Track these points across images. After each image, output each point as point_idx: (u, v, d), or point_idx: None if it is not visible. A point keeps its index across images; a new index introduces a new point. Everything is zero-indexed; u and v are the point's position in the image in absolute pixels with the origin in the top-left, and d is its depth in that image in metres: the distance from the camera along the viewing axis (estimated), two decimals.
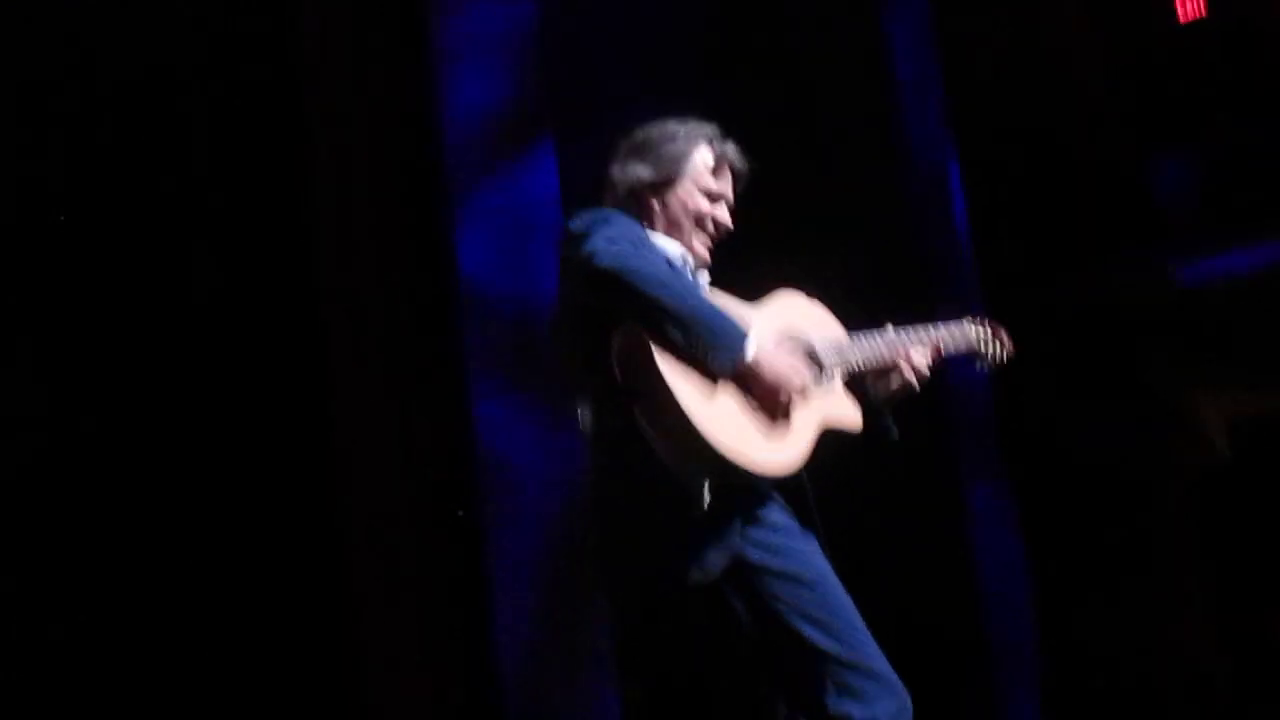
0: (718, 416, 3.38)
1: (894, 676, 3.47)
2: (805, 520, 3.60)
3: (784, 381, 3.45)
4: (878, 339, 3.76)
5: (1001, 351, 4.03)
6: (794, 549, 3.50)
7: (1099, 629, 7.35)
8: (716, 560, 3.43)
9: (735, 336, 3.41)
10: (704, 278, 3.76)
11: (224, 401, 5.55)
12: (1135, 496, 7.63)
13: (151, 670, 5.33)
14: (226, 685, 5.40)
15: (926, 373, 3.77)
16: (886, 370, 3.77)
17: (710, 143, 3.77)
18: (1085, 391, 7.51)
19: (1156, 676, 7.42)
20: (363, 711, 5.64)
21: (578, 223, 3.57)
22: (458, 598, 5.79)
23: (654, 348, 3.36)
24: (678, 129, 3.77)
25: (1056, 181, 7.45)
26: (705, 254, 3.76)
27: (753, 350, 3.41)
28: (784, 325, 3.64)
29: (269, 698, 5.45)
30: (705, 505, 3.35)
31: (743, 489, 3.46)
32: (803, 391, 3.49)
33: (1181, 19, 7.22)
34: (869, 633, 3.50)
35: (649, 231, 3.69)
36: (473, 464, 5.76)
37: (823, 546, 3.61)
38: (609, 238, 3.45)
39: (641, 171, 3.73)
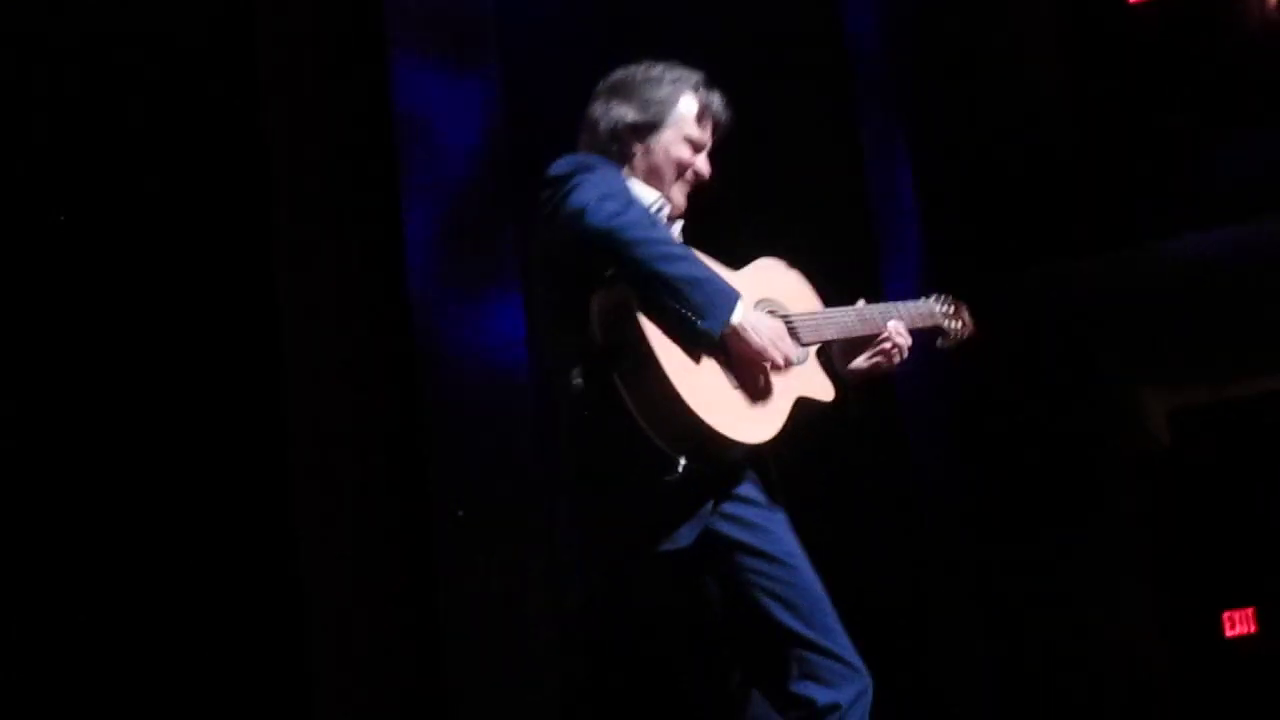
0: (700, 384, 3.33)
1: (858, 660, 3.45)
2: (771, 496, 3.56)
3: (768, 352, 3.41)
4: (849, 314, 3.71)
5: (963, 329, 4.03)
6: (766, 525, 3.47)
7: (1041, 621, 7.32)
8: (688, 532, 3.38)
9: (726, 302, 3.36)
10: (678, 228, 3.68)
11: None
12: (1078, 488, 7.61)
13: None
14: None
15: (901, 341, 3.73)
16: (857, 345, 3.73)
17: (696, 90, 3.70)
18: (1033, 381, 7.49)
19: (1097, 668, 7.40)
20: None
21: (561, 167, 3.48)
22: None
23: (639, 311, 3.31)
24: (663, 73, 3.70)
25: (1009, 169, 7.42)
26: (683, 203, 3.69)
27: (739, 316, 3.36)
28: (763, 294, 3.60)
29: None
30: (680, 471, 3.30)
31: (718, 460, 3.40)
32: (782, 366, 3.45)
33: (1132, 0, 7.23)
34: (836, 615, 3.48)
35: (628, 179, 3.61)
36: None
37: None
38: (601, 194, 3.36)
39: (626, 113, 3.64)
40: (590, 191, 3.36)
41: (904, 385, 7.02)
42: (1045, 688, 7.14)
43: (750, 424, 3.42)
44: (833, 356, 3.77)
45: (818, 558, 5.44)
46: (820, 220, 6.74)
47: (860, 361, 3.74)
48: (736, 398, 3.42)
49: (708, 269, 3.41)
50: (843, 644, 3.46)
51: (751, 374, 3.44)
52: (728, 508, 3.44)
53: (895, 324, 3.73)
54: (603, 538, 3.49)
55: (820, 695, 3.38)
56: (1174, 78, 7.21)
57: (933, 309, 3.97)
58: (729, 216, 6.07)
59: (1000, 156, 7.41)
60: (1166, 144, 7.26)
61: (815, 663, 3.40)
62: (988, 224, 7.47)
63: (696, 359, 3.36)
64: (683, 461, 3.30)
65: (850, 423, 3.76)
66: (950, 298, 4.05)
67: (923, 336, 3.93)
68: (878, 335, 3.73)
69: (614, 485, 3.41)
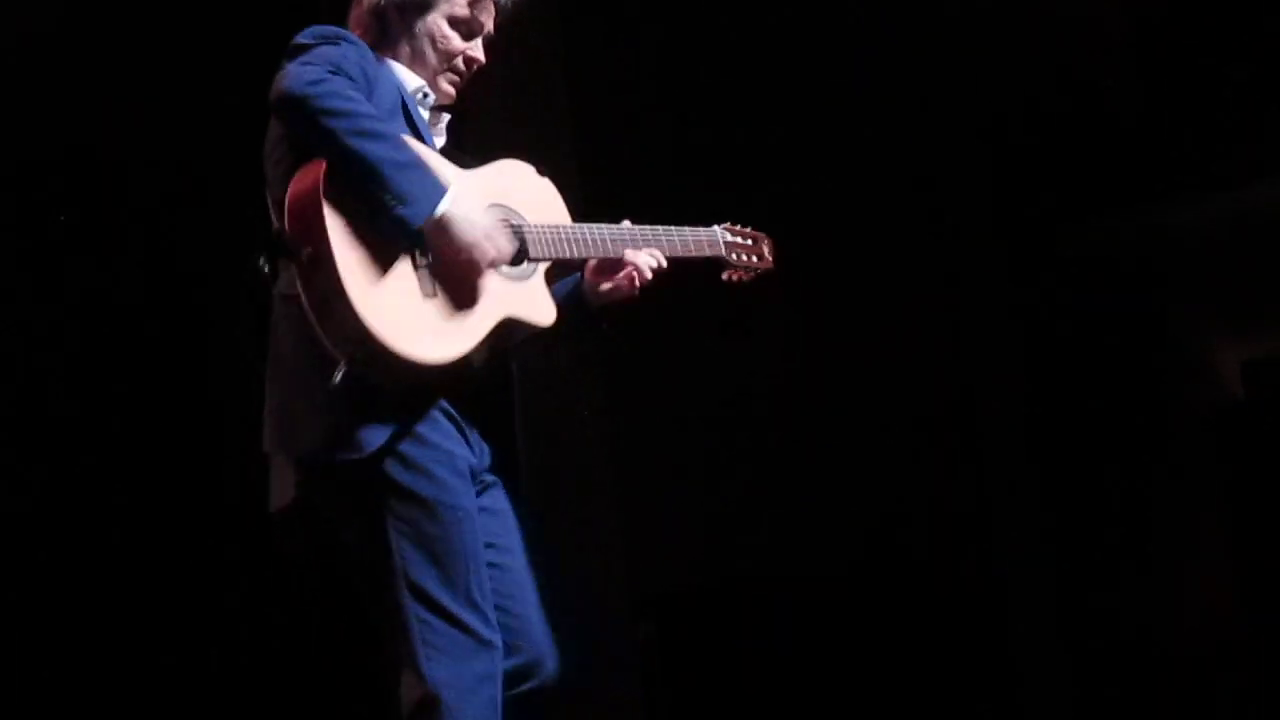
0: (379, 286, 2.99)
1: (495, 637, 3.12)
2: (473, 435, 3.22)
3: (476, 248, 3.07)
4: (602, 233, 3.40)
5: (759, 264, 3.70)
6: (439, 474, 3.10)
7: (1113, 571, 7.27)
8: (368, 438, 3.02)
9: (430, 190, 3.01)
10: (444, 119, 3.40)
11: None
12: (1150, 440, 7.55)
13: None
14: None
15: (649, 275, 3.41)
16: (606, 267, 3.44)
17: None
18: (1103, 333, 7.42)
19: (1171, 623, 7.35)
20: None
21: (302, 37, 3.18)
22: None
23: (324, 197, 2.96)
24: None
25: (1079, 120, 7.34)
26: (451, 92, 3.39)
27: (446, 208, 3.01)
28: (497, 198, 3.28)
29: None
30: (337, 380, 2.95)
31: (396, 375, 3.03)
32: (494, 263, 3.11)
33: None
34: (482, 586, 3.13)
35: (389, 61, 3.31)
36: None
37: (496, 470, 3.26)
38: (309, 60, 3.05)
39: None
40: (304, 59, 3.06)
41: (971, 339, 7.03)
42: (1117, 645, 7.09)
43: (432, 339, 3.03)
44: (585, 274, 3.45)
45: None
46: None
47: (604, 285, 3.42)
48: (425, 308, 3.04)
49: (416, 155, 3.06)
50: (476, 618, 3.08)
51: (451, 279, 3.08)
52: (402, 446, 3.06)
53: (641, 254, 3.39)
54: (290, 436, 3.11)
55: (435, 671, 3.04)
56: (1242, 24, 7.11)
57: (716, 238, 3.61)
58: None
59: (1069, 107, 7.33)
60: (1237, 92, 7.16)
61: (442, 633, 3.05)
62: (1058, 175, 7.40)
63: (386, 257, 3.01)
64: (341, 368, 2.94)
65: (599, 339, 3.56)
66: (750, 230, 3.70)
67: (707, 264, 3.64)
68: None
69: (293, 383, 3.09)
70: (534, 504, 5.72)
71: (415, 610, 3.04)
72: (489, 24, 3.41)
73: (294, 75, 3.00)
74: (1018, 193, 7.26)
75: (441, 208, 3.02)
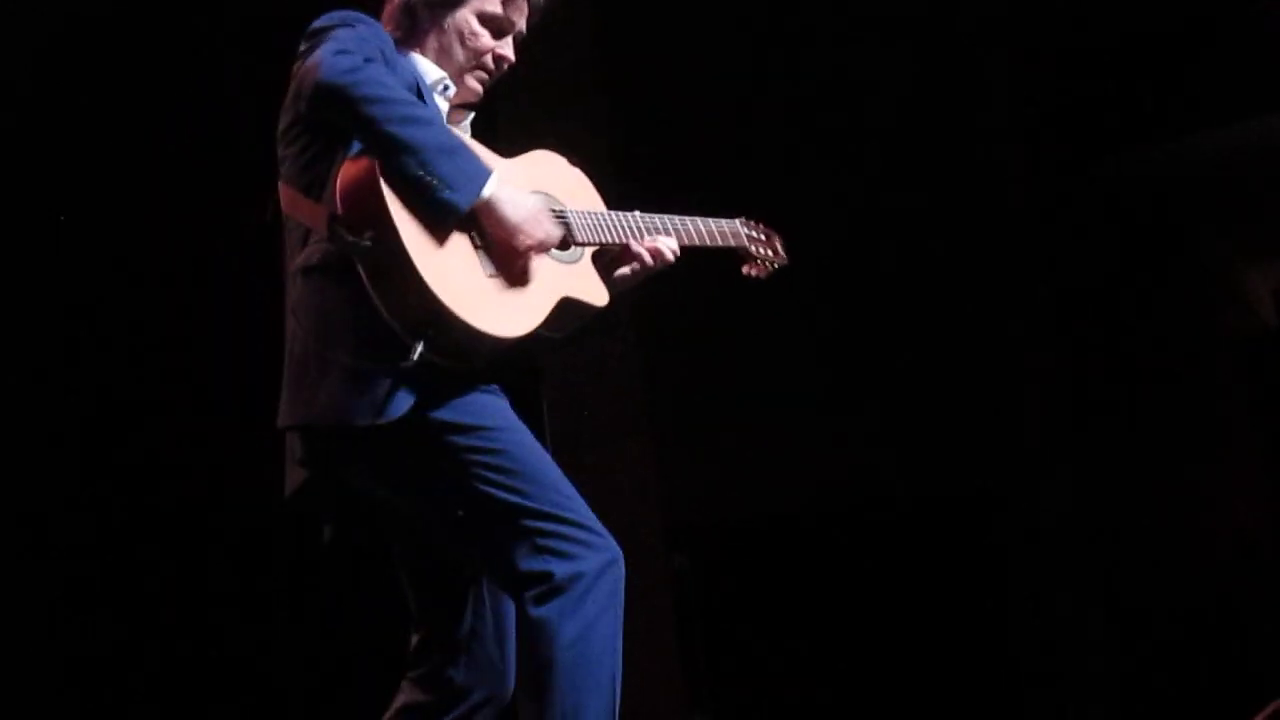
0: (445, 265, 3.00)
1: (601, 529, 3.07)
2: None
3: (525, 229, 3.08)
4: (636, 220, 3.41)
5: (774, 258, 3.71)
6: (479, 400, 3.09)
7: (1148, 496, 7.30)
8: (395, 406, 2.99)
9: (475, 173, 3.02)
10: (468, 117, 3.40)
11: None
12: (1184, 366, 7.56)
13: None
14: None
15: (670, 260, 3.41)
16: (631, 252, 3.40)
17: None
18: (1136, 264, 7.43)
19: (1206, 542, 7.39)
20: None
21: (320, 21, 3.16)
22: None
23: (383, 180, 2.97)
24: None
25: (1107, 56, 7.30)
26: (477, 90, 3.37)
27: (492, 190, 3.03)
28: (538, 186, 3.28)
29: None
30: (414, 359, 2.96)
31: (462, 354, 3.04)
32: (544, 244, 3.13)
33: None
34: (571, 486, 3.10)
35: (413, 53, 3.30)
36: None
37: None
38: (342, 47, 3.01)
39: None
40: (333, 44, 3.02)
41: (1005, 270, 7.03)
42: (1152, 570, 7.13)
43: (500, 315, 3.06)
44: (607, 260, 3.41)
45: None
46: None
47: (619, 271, 3.40)
48: (488, 285, 3.07)
49: (459, 139, 3.08)
50: (580, 512, 3.06)
51: (507, 260, 3.09)
52: (442, 387, 3.04)
53: (664, 240, 3.39)
54: (312, 408, 3.07)
55: (558, 567, 2.99)
56: None
57: (738, 230, 3.63)
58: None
59: (1097, 39, 7.30)
60: (1264, 20, 7.11)
61: (548, 533, 3.01)
62: (1091, 106, 7.38)
63: (444, 237, 3.02)
64: (419, 347, 2.95)
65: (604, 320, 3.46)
66: (761, 224, 3.72)
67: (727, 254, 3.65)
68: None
69: (328, 359, 3.03)
70: (567, 437, 5.80)
71: (519, 525, 3.01)
72: (520, 23, 3.39)
73: (329, 65, 2.97)
74: (1050, 124, 7.25)
75: (488, 190, 3.03)
